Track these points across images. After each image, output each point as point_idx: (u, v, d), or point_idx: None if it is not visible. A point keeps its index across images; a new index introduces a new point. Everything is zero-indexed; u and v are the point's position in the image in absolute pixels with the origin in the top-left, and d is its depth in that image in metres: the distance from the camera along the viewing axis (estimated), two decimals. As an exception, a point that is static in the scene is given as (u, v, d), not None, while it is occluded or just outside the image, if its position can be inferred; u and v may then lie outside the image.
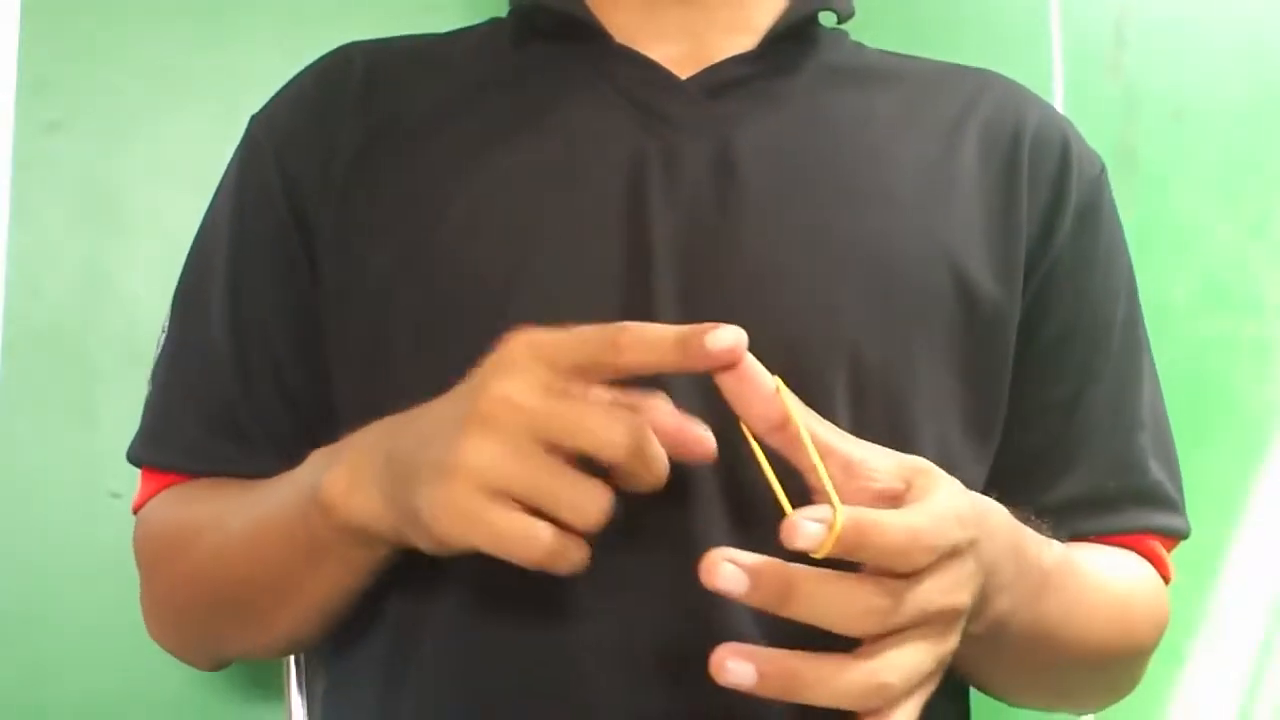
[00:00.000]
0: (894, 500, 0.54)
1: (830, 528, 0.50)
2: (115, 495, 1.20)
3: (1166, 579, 0.77)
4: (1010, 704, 0.77)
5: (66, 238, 1.24)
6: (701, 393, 0.58)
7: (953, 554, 0.54)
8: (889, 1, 1.36)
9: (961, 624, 0.56)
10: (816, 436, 0.56)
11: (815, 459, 0.54)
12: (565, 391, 0.53)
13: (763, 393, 0.55)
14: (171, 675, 1.19)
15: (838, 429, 0.57)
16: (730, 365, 0.52)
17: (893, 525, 0.52)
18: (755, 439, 0.56)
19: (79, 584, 1.20)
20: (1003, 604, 0.60)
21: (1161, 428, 0.77)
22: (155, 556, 0.75)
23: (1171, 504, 0.76)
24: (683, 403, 0.58)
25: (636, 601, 0.62)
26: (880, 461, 0.56)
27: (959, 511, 0.55)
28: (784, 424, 0.55)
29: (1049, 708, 0.82)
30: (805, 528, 0.50)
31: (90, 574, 1.20)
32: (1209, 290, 1.39)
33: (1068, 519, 0.72)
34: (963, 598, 0.55)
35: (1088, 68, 1.42)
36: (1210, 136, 1.43)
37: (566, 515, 0.52)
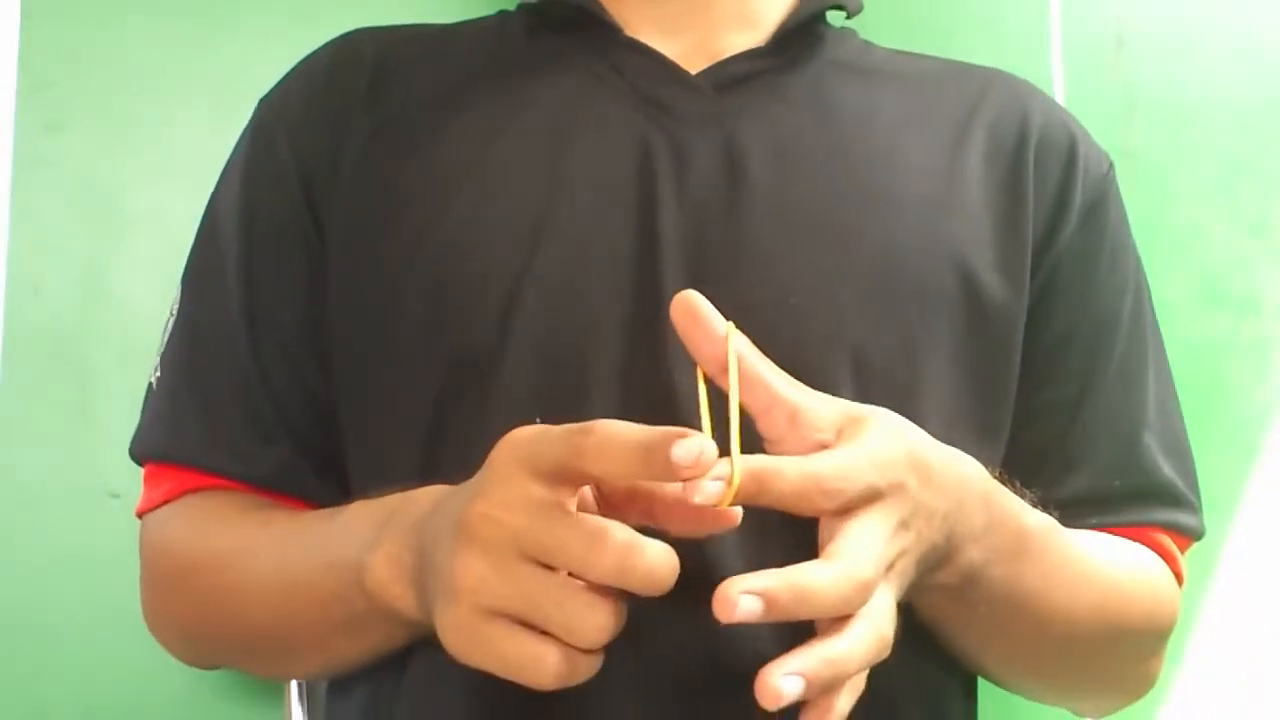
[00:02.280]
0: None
1: (729, 482, 0.50)
2: (115, 495, 1.20)
3: (1177, 575, 0.76)
4: (1012, 691, 0.77)
5: (66, 238, 1.24)
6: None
7: (871, 497, 0.54)
8: (891, 2, 1.36)
9: (911, 565, 0.56)
10: (767, 385, 0.56)
11: (734, 408, 0.54)
12: (554, 504, 0.51)
13: (712, 335, 0.56)
14: (172, 675, 1.19)
15: (791, 378, 0.58)
16: (693, 478, 0.50)
17: (791, 472, 0.52)
18: (707, 383, 0.56)
19: (79, 584, 1.20)
20: (973, 554, 0.60)
21: (1172, 427, 0.77)
22: (168, 575, 0.73)
23: (1182, 502, 0.75)
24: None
25: (650, 624, 0.62)
26: (823, 411, 0.56)
27: (876, 456, 0.55)
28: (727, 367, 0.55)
29: (1052, 699, 0.81)
30: (704, 487, 0.50)
31: (90, 574, 1.20)
32: (1208, 290, 1.40)
33: (1073, 516, 0.72)
34: (906, 539, 0.55)
35: (1088, 68, 1.42)
36: (1210, 136, 1.43)
37: (562, 635, 0.50)
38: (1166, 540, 0.75)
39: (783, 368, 0.60)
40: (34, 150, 1.24)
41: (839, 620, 0.52)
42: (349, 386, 0.71)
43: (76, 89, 1.26)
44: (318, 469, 0.73)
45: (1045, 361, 0.73)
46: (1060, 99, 1.41)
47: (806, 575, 0.51)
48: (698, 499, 0.50)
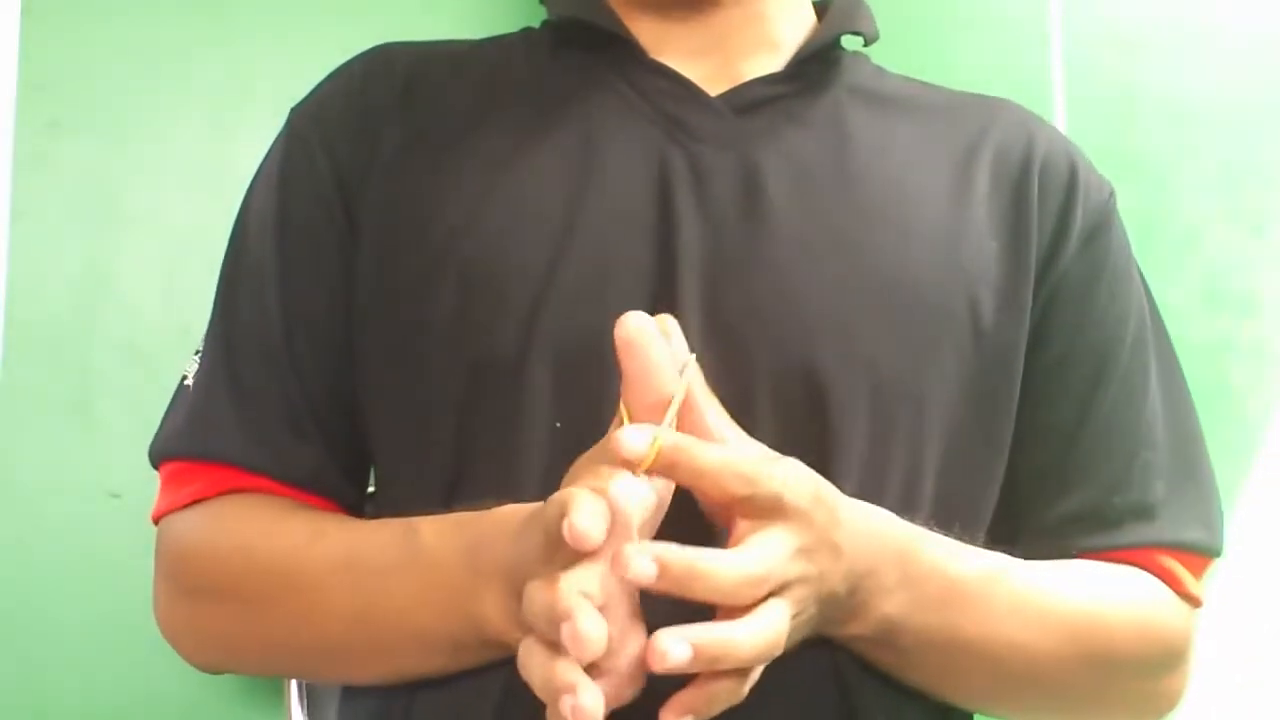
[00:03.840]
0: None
1: (654, 443, 0.54)
2: (115, 495, 1.20)
3: (1187, 595, 0.76)
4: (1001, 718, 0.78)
5: (66, 238, 1.24)
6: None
7: (776, 507, 0.57)
8: (893, 3, 1.36)
9: (811, 598, 0.58)
10: (703, 416, 0.60)
11: (674, 406, 0.58)
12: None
13: (651, 376, 0.59)
14: (171, 675, 1.19)
15: (728, 420, 0.61)
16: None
17: (711, 452, 0.56)
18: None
19: (79, 584, 1.20)
20: (887, 608, 0.62)
21: (1182, 446, 0.77)
22: (202, 579, 0.72)
23: (1184, 519, 0.75)
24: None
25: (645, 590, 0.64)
26: (747, 448, 0.60)
27: (789, 476, 0.57)
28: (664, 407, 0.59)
29: None
30: (631, 439, 0.54)
31: (90, 574, 1.20)
32: (1208, 291, 1.40)
33: (1070, 535, 0.73)
34: (806, 567, 0.58)
35: (1087, 68, 1.42)
36: (1210, 136, 1.43)
37: None
38: (1168, 561, 0.75)
39: (797, 380, 0.64)
40: (34, 150, 1.24)
41: (737, 612, 0.54)
42: (377, 390, 0.72)
43: (76, 89, 1.26)
44: (348, 471, 0.74)
45: (1045, 382, 0.74)
46: (1060, 99, 1.41)
47: (702, 555, 0.53)
48: (625, 453, 0.54)
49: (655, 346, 0.59)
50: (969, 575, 0.66)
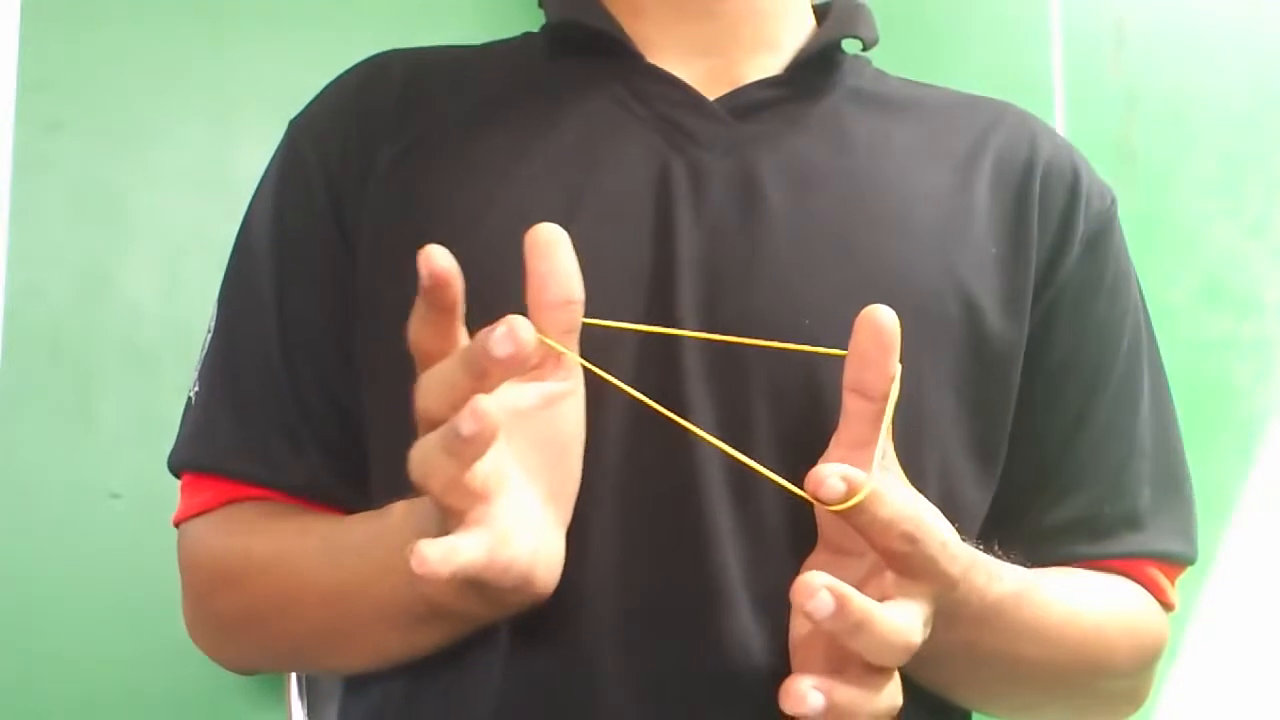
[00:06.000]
0: None
1: (859, 490, 0.53)
2: (115, 495, 1.20)
3: (1166, 603, 0.77)
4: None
5: (66, 238, 1.25)
6: (710, 377, 0.64)
7: (927, 574, 0.57)
8: (893, 3, 1.37)
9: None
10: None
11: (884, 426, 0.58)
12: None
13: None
14: (171, 674, 1.19)
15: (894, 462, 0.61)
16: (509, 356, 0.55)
17: (885, 506, 0.55)
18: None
19: (79, 584, 1.20)
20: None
21: (1167, 454, 0.78)
22: (210, 582, 0.74)
23: (1168, 529, 0.76)
24: (695, 389, 0.64)
25: (642, 580, 0.64)
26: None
27: (950, 543, 0.57)
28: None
29: None
30: (832, 484, 0.53)
31: (90, 574, 1.20)
32: (1209, 290, 1.40)
33: (1064, 543, 0.74)
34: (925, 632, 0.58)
35: (1088, 67, 1.42)
36: (1211, 135, 1.43)
37: None
38: (1154, 571, 0.76)
39: (798, 388, 0.64)
40: (34, 150, 1.24)
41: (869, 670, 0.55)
42: (374, 400, 0.73)
43: (76, 89, 1.26)
44: (348, 478, 0.74)
45: (1044, 389, 0.74)
46: (1060, 98, 1.41)
47: (880, 608, 0.53)
48: (822, 493, 0.53)
49: (565, 252, 0.59)
50: (1002, 597, 0.66)
